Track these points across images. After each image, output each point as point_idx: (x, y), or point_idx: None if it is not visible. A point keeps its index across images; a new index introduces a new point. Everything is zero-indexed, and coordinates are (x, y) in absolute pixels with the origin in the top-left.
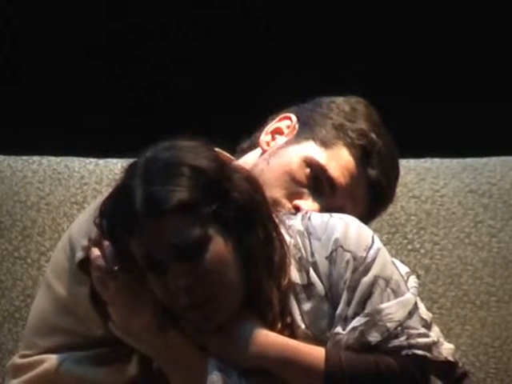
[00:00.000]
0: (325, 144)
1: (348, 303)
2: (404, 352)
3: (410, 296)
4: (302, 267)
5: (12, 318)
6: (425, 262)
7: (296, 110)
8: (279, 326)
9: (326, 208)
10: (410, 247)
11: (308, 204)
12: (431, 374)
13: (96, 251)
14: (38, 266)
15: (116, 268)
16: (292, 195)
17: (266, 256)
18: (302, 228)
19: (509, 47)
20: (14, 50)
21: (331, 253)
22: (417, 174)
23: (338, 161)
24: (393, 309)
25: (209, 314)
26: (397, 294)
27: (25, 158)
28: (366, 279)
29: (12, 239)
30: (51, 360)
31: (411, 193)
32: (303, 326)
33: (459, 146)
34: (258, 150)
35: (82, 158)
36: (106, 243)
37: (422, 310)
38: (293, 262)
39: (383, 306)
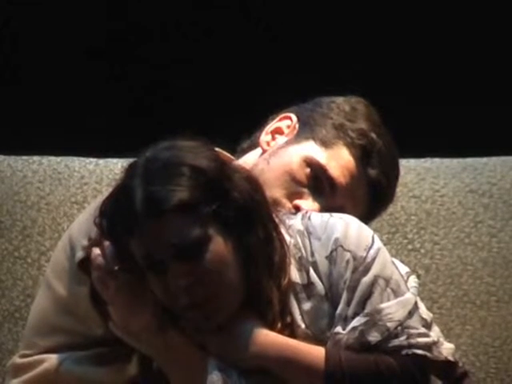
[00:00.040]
0: (325, 144)
1: (348, 303)
2: (404, 352)
3: (410, 296)
4: (302, 267)
5: (12, 317)
6: (425, 262)
7: (296, 109)
8: (279, 325)
9: (326, 208)
10: (410, 247)
11: (308, 204)
12: (431, 374)
13: (96, 251)
14: (38, 265)
15: (116, 268)
16: (292, 195)
17: (266, 256)
18: (302, 228)
19: (509, 47)
20: (14, 50)
21: (331, 252)
22: (417, 173)
23: (338, 160)
24: (393, 308)
25: (209, 314)
26: (397, 293)
27: (25, 157)
28: (366, 279)
29: (12, 239)
30: (51, 360)
31: (411, 193)
32: (303, 326)
33: (459, 146)
34: (258, 150)
35: (82, 158)
36: (106, 243)
37: (422, 309)
38: (293, 261)
39: (383, 305)
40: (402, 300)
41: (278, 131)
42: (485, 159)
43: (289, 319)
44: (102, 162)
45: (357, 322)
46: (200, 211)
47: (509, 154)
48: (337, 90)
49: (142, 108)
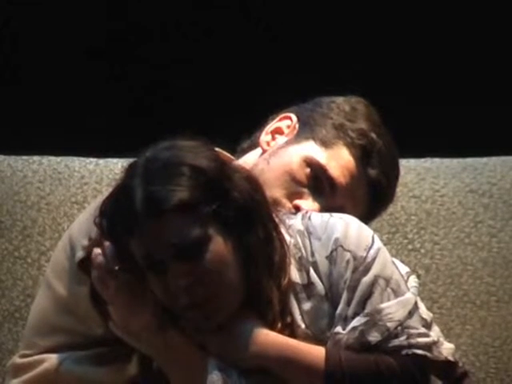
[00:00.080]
0: (325, 144)
1: (348, 303)
2: (404, 352)
3: (410, 296)
4: (302, 267)
5: (12, 317)
6: (425, 262)
7: (296, 109)
8: (279, 325)
9: (326, 208)
10: (410, 247)
11: (308, 204)
12: (431, 374)
13: (97, 250)
14: (38, 265)
15: (116, 268)
16: (292, 195)
17: (266, 256)
18: (302, 228)
19: (509, 47)
20: (14, 50)
21: (331, 252)
22: (417, 173)
23: (338, 160)
24: (393, 308)
25: (209, 314)
26: (397, 293)
27: (25, 157)
28: (366, 279)
29: (12, 239)
30: (51, 360)
31: (411, 193)
32: (303, 326)
33: (459, 146)
34: (258, 150)
35: (82, 158)
36: (106, 243)
37: (422, 309)
38: (293, 261)
39: (383, 305)
40: (402, 300)
41: (278, 131)
42: (485, 159)
43: (289, 319)
44: (102, 161)
45: (357, 321)
46: (200, 211)
47: (509, 154)
48: (337, 90)
49: (142, 108)
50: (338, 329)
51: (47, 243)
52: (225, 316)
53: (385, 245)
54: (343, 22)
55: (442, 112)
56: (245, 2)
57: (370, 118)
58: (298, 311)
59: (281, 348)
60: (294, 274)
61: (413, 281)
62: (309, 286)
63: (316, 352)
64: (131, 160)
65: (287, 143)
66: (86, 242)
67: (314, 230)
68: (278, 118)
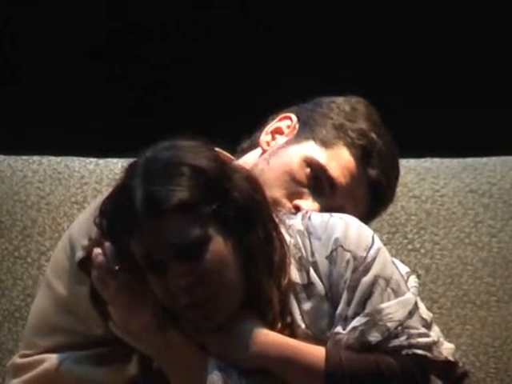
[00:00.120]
0: (325, 144)
1: (348, 303)
2: (404, 352)
3: (410, 296)
4: (302, 267)
5: (12, 317)
6: (425, 262)
7: (296, 109)
8: (279, 325)
9: (326, 208)
10: (410, 247)
11: (308, 204)
12: (431, 374)
13: (97, 250)
14: (38, 265)
15: (116, 268)
16: (292, 195)
17: (266, 256)
18: (302, 228)
19: (509, 47)
20: (14, 50)
21: (331, 252)
22: (417, 173)
23: (338, 161)
24: (393, 308)
25: (209, 314)
26: (397, 293)
27: (25, 157)
28: (367, 279)
29: (12, 239)
30: (51, 359)
31: (411, 193)
32: (303, 326)
33: (459, 146)
34: (258, 150)
35: (82, 158)
36: (107, 243)
37: (422, 309)
38: (293, 261)
39: (383, 305)
40: (403, 300)
41: (278, 131)
42: (485, 159)
43: (289, 319)
44: (102, 161)
45: (357, 321)
46: (200, 211)
47: (509, 154)
48: (337, 90)
49: (142, 108)
50: (338, 329)
51: (47, 243)
52: (225, 316)
53: (385, 245)
54: (343, 22)
55: (442, 112)
56: (245, 2)
57: (370, 118)
58: (298, 311)
59: (281, 348)
60: (294, 274)
61: (413, 281)
62: (309, 286)
63: (316, 352)
64: (131, 160)
65: (287, 143)
66: (85, 242)
67: (314, 230)
68: (278, 118)
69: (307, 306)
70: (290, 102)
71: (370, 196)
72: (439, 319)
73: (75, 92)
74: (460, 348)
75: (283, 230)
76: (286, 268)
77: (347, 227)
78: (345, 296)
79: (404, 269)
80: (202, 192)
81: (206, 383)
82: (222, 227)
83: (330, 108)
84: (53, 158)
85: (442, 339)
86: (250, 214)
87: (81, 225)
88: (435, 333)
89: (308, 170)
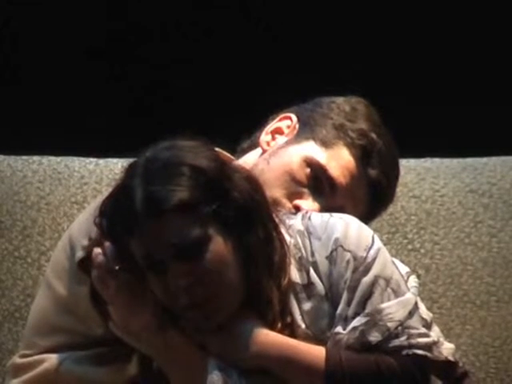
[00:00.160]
0: (325, 144)
1: (348, 303)
2: (404, 352)
3: (410, 296)
4: (302, 267)
5: (12, 317)
6: (425, 262)
7: (296, 109)
8: (279, 325)
9: (326, 208)
10: (410, 247)
11: (308, 204)
12: (431, 374)
13: (97, 250)
14: (38, 265)
15: (116, 268)
16: (292, 195)
17: (266, 256)
18: (302, 228)
19: (509, 47)
20: (14, 50)
21: (331, 252)
22: (417, 173)
23: (339, 161)
24: (393, 308)
25: (209, 314)
26: (397, 293)
27: (25, 157)
28: (367, 279)
29: (12, 239)
30: (51, 359)
31: (411, 193)
32: (303, 326)
33: (459, 146)
34: (259, 150)
35: (82, 158)
36: (107, 243)
37: (423, 309)
38: (293, 261)
39: (383, 305)
40: (403, 300)
41: (278, 131)
42: (485, 159)
43: (289, 319)
44: (101, 161)
45: (357, 322)
46: (200, 211)
47: (509, 154)
48: (337, 90)
49: (142, 108)
50: (339, 329)
51: (47, 243)
52: (225, 316)
53: (385, 245)
54: (343, 22)
55: (442, 112)
56: (245, 2)
57: (371, 119)
58: (298, 311)
59: (281, 348)
60: (294, 274)
61: (413, 281)
62: (309, 286)
63: (316, 352)
64: (131, 160)
65: (287, 143)
66: (85, 242)
67: (314, 230)
68: (278, 118)
69: (307, 306)
70: (290, 102)
71: (369, 196)
72: (439, 319)
73: (75, 92)
74: (460, 348)
75: (283, 230)
76: (286, 268)
77: (347, 227)
78: (345, 296)
79: (404, 269)
80: (202, 192)
81: (206, 383)
82: (222, 227)
83: (330, 108)
84: (53, 158)
85: (442, 339)
86: (249, 214)
87: (81, 225)
88: (435, 333)
89: (308, 170)
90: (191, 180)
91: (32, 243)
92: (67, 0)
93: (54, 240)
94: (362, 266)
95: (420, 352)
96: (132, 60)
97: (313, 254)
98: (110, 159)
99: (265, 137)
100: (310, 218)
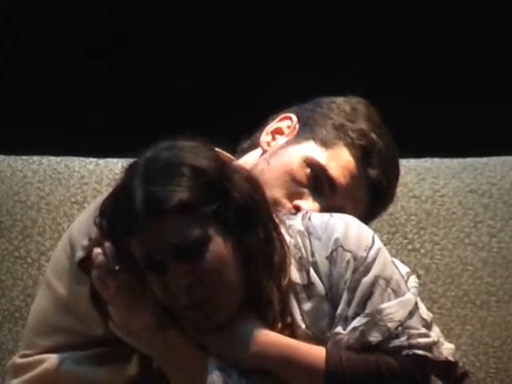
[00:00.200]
0: (325, 144)
1: (348, 303)
2: (405, 352)
3: (410, 296)
4: (303, 267)
5: (12, 317)
6: (425, 262)
7: (296, 110)
8: (279, 325)
9: (326, 208)
10: (410, 247)
11: (308, 204)
12: (431, 374)
13: (97, 250)
14: (38, 265)
15: (116, 268)
16: (292, 195)
17: (266, 256)
18: (302, 228)
19: (509, 47)
20: (14, 50)
21: (331, 253)
22: (417, 173)
23: (339, 161)
24: (393, 309)
25: (209, 314)
26: (397, 293)
27: (25, 157)
28: (367, 279)
29: (12, 239)
30: (51, 360)
31: (411, 193)
32: (303, 326)
33: (459, 146)
34: (259, 150)
35: (82, 158)
36: (107, 243)
37: (423, 309)
38: (293, 261)
39: (384, 306)
40: (403, 300)
41: (278, 131)
42: (485, 159)
43: (289, 319)
44: (102, 161)
45: (357, 322)
46: (200, 211)
47: (509, 154)
48: (337, 90)
49: (142, 108)
50: (339, 329)
51: (47, 243)
52: (225, 316)
53: (385, 245)
54: (343, 22)
55: (442, 112)
56: (245, 2)
57: (371, 119)
58: (299, 311)
59: (281, 348)
60: (294, 275)
61: (413, 281)
62: (309, 286)
63: (316, 352)
64: (131, 160)
65: (287, 143)
66: (85, 242)
67: (314, 230)
68: (278, 118)
69: (307, 306)
70: (290, 102)
71: (370, 196)
72: (439, 319)
73: (75, 92)
74: (460, 348)
75: (283, 231)
76: (286, 268)
77: (347, 227)
78: (345, 296)
79: (404, 269)
80: (202, 192)
81: (206, 383)
82: (221, 227)
83: (331, 108)
84: (53, 158)
85: (442, 339)
86: (250, 215)
87: (81, 225)
88: (435, 333)
89: (308, 170)
90: (191, 180)
91: (32, 243)
92: (67, 0)
93: (54, 240)
94: (362, 266)
95: (420, 352)
96: (132, 60)
97: (313, 254)
98: (109, 159)
99: (265, 137)
100: (310, 218)
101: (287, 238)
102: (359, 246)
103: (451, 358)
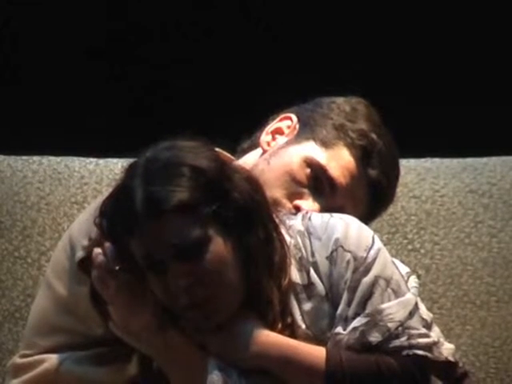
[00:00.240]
0: (325, 144)
1: (348, 303)
2: (405, 352)
3: (410, 296)
4: (303, 267)
5: (12, 317)
6: (425, 262)
7: (296, 110)
8: (280, 325)
9: (326, 208)
10: (410, 247)
11: (308, 204)
12: (432, 374)
13: (97, 250)
14: (38, 265)
15: (116, 268)
16: (292, 195)
17: (266, 256)
18: (302, 228)
19: (509, 47)
20: (14, 50)
21: (331, 253)
22: (417, 173)
23: (339, 161)
24: (393, 309)
25: (209, 314)
26: (397, 294)
27: (25, 157)
28: (367, 279)
29: (12, 239)
30: (51, 360)
31: (411, 193)
32: (304, 326)
33: (459, 146)
34: (259, 150)
35: (82, 158)
36: (107, 243)
37: (423, 310)
38: (293, 261)
39: (384, 306)
40: (403, 300)
41: (278, 131)
42: (485, 159)
43: (289, 320)
44: (102, 162)
45: (357, 322)
46: (200, 212)
47: (509, 154)
48: (337, 90)
49: (142, 108)
50: (339, 329)
51: (47, 243)
52: (225, 316)
53: (385, 245)
54: (343, 22)
55: (442, 112)
56: (245, 2)
57: (371, 119)
58: (299, 311)
59: (281, 348)
60: (295, 275)
61: (413, 281)
62: (309, 286)
63: (316, 352)
64: (131, 160)
65: (287, 143)
66: (85, 242)
67: (315, 231)
68: (278, 119)
69: (307, 306)
70: (290, 102)
71: (370, 196)
72: (439, 319)
73: (75, 92)
74: (460, 348)
75: (283, 231)
76: (286, 268)
77: (347, 227)
78: (345, 296)
79: (404, 269)
80: (202, 192)
81: (206, 383)
82: (221, 228)
83: (331, 108)
84: (53, 158)
85: (442, 339)
86: (250, 215)
87: (81, 225)
88: (435, 333)
89: (308, 171)
90: (191, 180)
91: (32, 243)
92: (67, 0)
93: (54, 240)
94: (363, 266)
95: (420, 352)
96: (132, 60)
97: (313, 255)
98: (109, 159)
99: (265, 137)
100: (310, 219)
101: (287, 238)
102: (359, 246)
103: (451, 358)
